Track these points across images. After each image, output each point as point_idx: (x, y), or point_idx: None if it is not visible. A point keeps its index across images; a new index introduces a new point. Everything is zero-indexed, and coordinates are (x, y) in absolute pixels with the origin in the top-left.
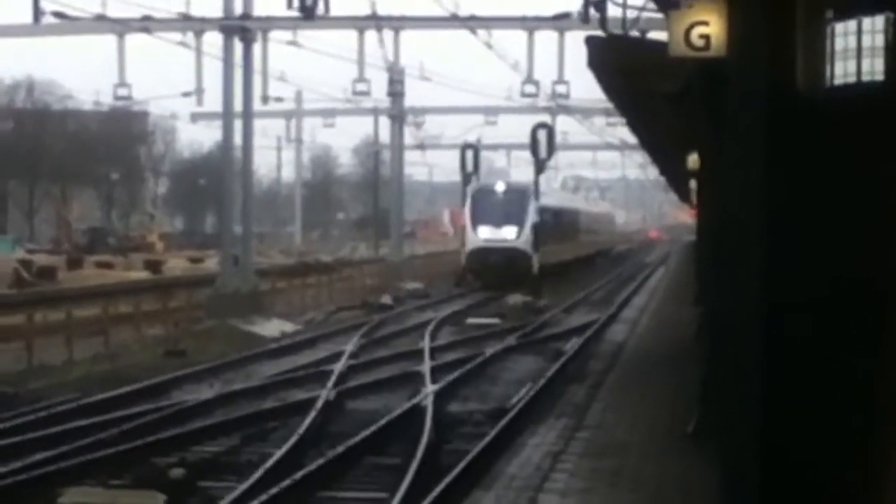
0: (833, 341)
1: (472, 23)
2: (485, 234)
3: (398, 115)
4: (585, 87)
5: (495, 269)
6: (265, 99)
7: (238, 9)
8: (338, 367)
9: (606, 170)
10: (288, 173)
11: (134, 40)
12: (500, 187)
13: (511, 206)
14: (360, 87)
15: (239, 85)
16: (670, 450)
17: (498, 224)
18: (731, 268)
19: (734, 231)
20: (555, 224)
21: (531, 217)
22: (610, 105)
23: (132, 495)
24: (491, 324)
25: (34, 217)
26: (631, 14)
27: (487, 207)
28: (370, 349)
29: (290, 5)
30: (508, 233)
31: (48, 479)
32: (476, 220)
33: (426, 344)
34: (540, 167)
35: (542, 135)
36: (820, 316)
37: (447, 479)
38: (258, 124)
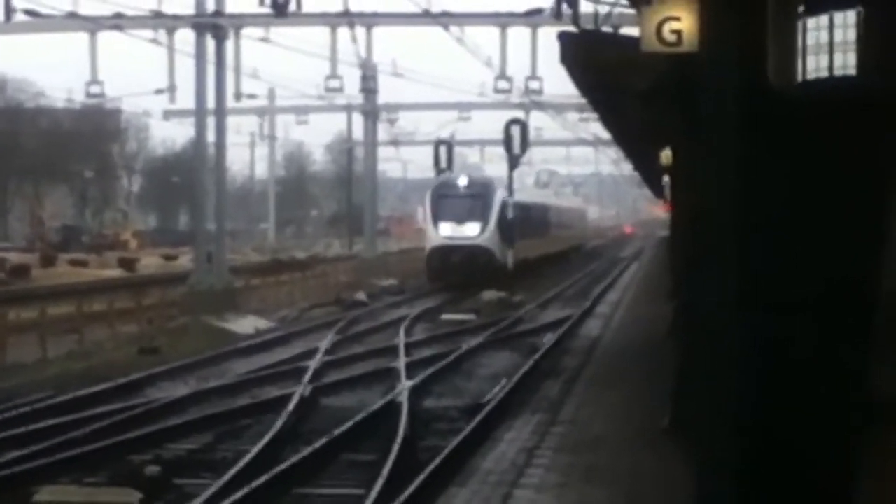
0: (807, 336)
1: (444, 19)
2: (446, 231)
3: (371, 112)
4: (558, 82)
5: (458, 268)
6: (238, 96)
7: (210, 6)
8: (312, 363)
9: (580, 165)
10: (261, 170)
11: (106, 38)
12: (461, 182)
13: (474, 201)
14: (333, 83)
15: (212, 82)
16: (645, 444)
17: (460, 220)
18: (705, 263)
19: (707, 226)
20: (523, 220)
21: (496, 213)
22: (583, 101)
23: (108, 493)
24: (465, 320)
25: (7, 215)
26: (603, 10)
27: (449, 203)
28: (345, 346)
29: (262, 3)
30: (471, 229)
31: (23, 478)
32: (437, 217)
33: (401, 340)
34: (514, 163)
35: (515, 130)
36: (793, 311)
37: (423, 475)
38: (231, 121)
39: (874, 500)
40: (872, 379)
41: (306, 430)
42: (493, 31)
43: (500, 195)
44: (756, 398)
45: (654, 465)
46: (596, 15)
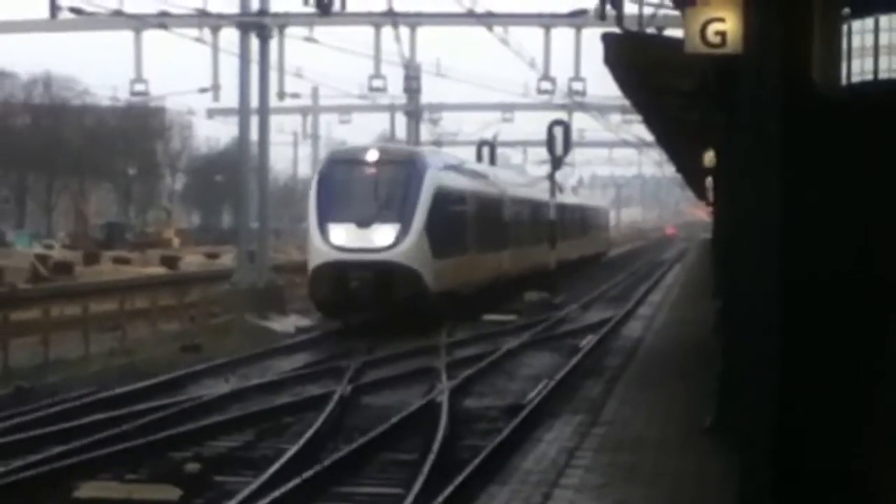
0: (850, 337)
1: (488, 19)
2: (339, 237)
3: (414, 112)
4: (602, 84)
5: (359, 299)
6: (281, 95)
7: (255, 5)
8: (353, 363)
9: (623, 167)
10: (304, 169)
11: (151, 36)
12: (368, 155)
13: (387, 187)
14: (377, 83)
15: (255, 81)
16: (687, 445)
17: (363, 220)
18: (748, 264)
19: (750, 228)
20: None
21: (424, 205)
22: (626, 102)
23: (148, 489)
24: (507, 320)
25: (52, 212)
26: (647, 11)
27: (345, 191)
28: (385, 344)
29: (306, 2)
30: (381, 235)
31: (64, 474)
32: (324, 214)
33: (442, 340)
34: (556, 164)
35: (558, 132)
36: (836, 311)
37: (463, 475)
38: (274, 120)
39: None
40: None
41: (347, 428)
42: (536, 32)
43: (432, 176)
44: (797, 398)
45: (696, 466)
46: (640, 16)
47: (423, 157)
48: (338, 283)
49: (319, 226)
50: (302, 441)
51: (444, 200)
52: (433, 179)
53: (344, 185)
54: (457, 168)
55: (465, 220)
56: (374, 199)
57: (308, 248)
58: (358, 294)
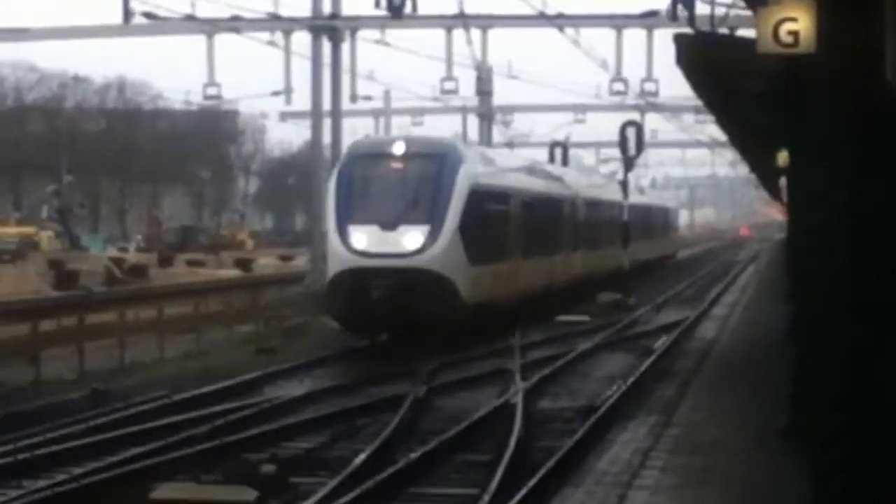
0: None
1: (559, 21)
2: (360, 242)
3: (486, 114)
4: (674, 84)
5: (381, 311)
6: (354, 98)
7: (326, 8)
8: (428, 364)
9: (696, 167)
10: None
11: (223, 40)
12: (395, 147)
13: (417, 184)
14: (449, 85)
15: (327, 84)
16: (761, 448)
17: (388, 221)
18: (819, 267)
19: (822, 230)
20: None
21: (459, 205)
22: (699, 103)
23: (224, 490)
24: (580, 321)
25: (125, 216)
26: (719, 11)
27: (369, 188)
28: (460, 347)
29: (377, 5)
30: (407, 238)
31: (141, 475)
32: (344, 217)
33: (516, 341)
34: (629, 165)
35: (630, 132)
36: None
37: (537, 476)
38: (347, 123)
39: None
40: None
41: (421, 430)
42: (608, 33)
43: (467, 171)
44: (869, 403)
45: (770, 469)
46: (712, 16)
47: (456, 148)
48: (358, 292)
49: (338, 228)
50: (377, 442)
51: (483, 199)
52: (469, 175)
53: (366, 181)
54: (498, 162)
55: (509, 222)
56: (401, 198)
57: (326, 253)
58: (380, 305)
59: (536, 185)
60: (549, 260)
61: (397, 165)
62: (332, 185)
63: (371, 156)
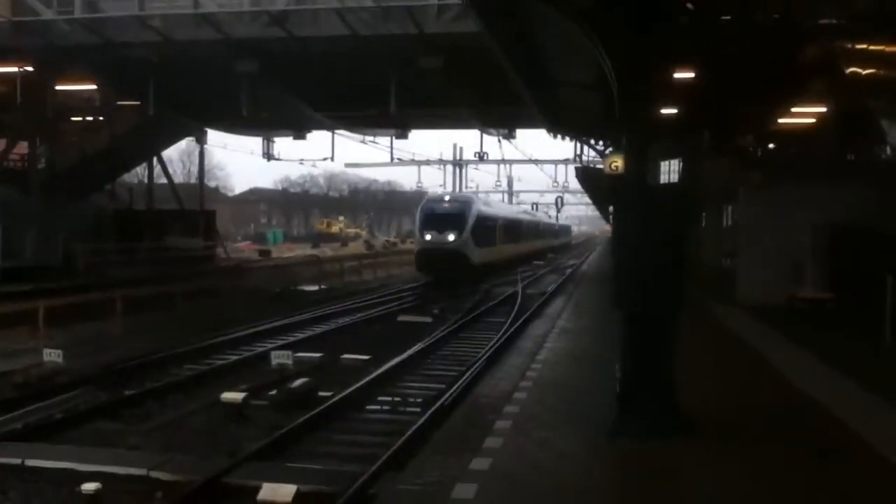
0: None
1: (533, 161)
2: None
3: (510, 189)
4: (574, 182)
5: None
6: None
7: None
8: (489, 280)
9: (584, 208)
10: None
11: None
12: (446, 198)
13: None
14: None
15: None
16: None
17: (441, 230)
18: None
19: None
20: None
21: (471, 222)
22: (581, 190)
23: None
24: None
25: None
26: (593, 157)
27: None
28: (496, 276)
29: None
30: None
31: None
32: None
33: (518, 273)
34: (558, 209)
35: (559, 200)
36: None
37: (523, 316)
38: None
39: None
40: None
41: (489, 298)
42: (552, 165)
43: (475, 208)
44: None
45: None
46: (588, 161)
47: (471, 198)
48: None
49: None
50: (472, 301)
51: (482, 219)
52: (475, 210)
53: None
54: (491, 204)
55: (496, 229)
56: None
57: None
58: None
59: (509, 213)
60: (515, 245)
61: (446, 205)
62: (418, 214)
63: (435, 201)
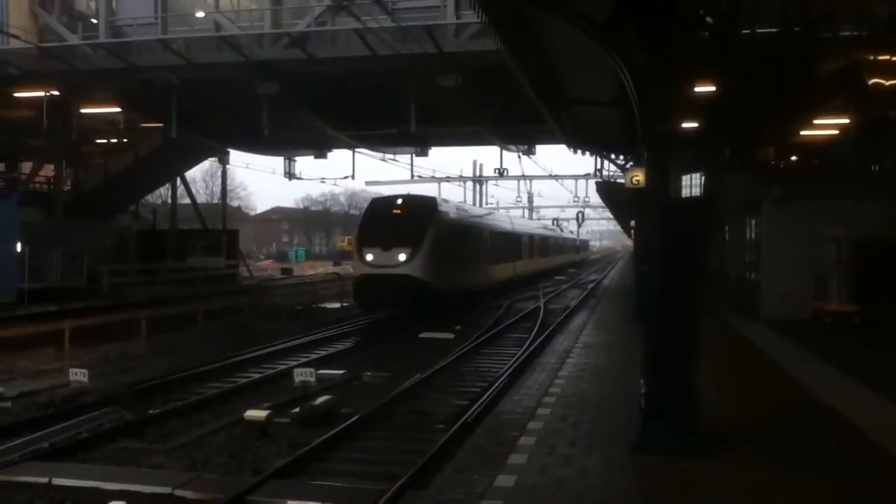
0: None
1: (554, 176)
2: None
3: (530, 204)
4: (595, 197)
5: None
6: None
7: None
8: (511, 295)
9: (606, 223)
10: None
11: None
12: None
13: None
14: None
15: None
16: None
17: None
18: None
19: (640, 252)
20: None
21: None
22: (603, 205)
23: (438, 333)
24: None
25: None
26: (614, 172)
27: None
28: (520, 289)
29: None
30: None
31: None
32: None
33: (540, 289)
34: (579, 224)
35: (579, 215)
36: None
37: (547, 331)
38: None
39: None
40: None
41: (510, 313)
42: (573, 180)
43: (437, 215)
44: None
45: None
46: (609, 176)
47: (434, 201)
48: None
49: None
50: (494, 318)
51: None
52: (437, 217)
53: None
54: (460, 210)
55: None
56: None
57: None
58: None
59: (497, 222)
60: (510, 265)
61: (398, 212)
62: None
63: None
